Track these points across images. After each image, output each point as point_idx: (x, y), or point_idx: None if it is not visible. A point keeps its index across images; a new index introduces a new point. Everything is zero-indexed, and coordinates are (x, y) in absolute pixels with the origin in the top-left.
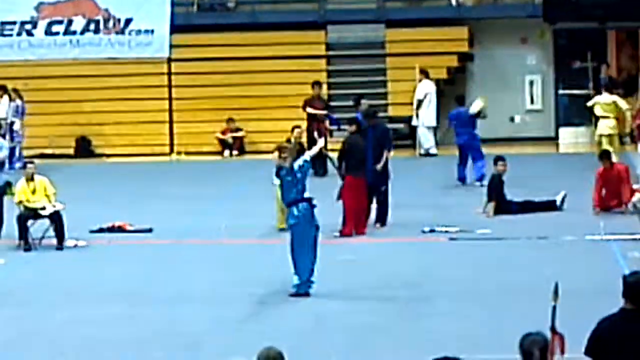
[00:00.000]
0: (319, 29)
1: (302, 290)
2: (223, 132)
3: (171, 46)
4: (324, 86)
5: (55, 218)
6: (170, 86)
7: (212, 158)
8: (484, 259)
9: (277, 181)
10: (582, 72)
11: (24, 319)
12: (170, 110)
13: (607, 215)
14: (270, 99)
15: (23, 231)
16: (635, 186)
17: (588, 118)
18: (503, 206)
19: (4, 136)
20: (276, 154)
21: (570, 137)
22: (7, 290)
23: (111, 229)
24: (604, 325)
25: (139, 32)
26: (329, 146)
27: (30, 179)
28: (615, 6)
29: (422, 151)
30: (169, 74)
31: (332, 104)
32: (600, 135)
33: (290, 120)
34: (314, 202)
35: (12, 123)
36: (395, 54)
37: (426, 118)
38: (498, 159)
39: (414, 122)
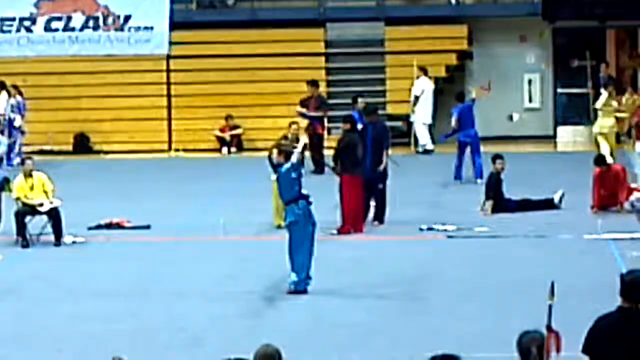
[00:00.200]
0: (319, 26)
1: (300, 288)
2: (222, 130)
3: (170, 43)
4: (323, 84)
5: (53, 214)
6: (169, 83)
7: (210, 155)
8: (482, 257)
9: (274, 176)
10: (580, 70)
11: (21, 315)
12: (169, 107)
13: (604, 214)
14: (269, 96)
15: (21, 227)
16: (633, 185)
17: (586, 117)
18: (501, 204)
19: (2, 132)
20: (275, 151)
21: (569, 136)
22: (4, 287)
23: (109, 226)
24: (601, 323)
25: (138, 29)
26: (327, 144)
27: (29, 175)
28: (615, 5)
29: (420, 149)
30: (168, 71)
31: (331, 101)
32: (597, 133)
33: (288, 117)
34: (311, 199)
35: (11, 119)
36: (394, 51)
37: (422, 115)
38: (496, 157)
39: (411, 119)
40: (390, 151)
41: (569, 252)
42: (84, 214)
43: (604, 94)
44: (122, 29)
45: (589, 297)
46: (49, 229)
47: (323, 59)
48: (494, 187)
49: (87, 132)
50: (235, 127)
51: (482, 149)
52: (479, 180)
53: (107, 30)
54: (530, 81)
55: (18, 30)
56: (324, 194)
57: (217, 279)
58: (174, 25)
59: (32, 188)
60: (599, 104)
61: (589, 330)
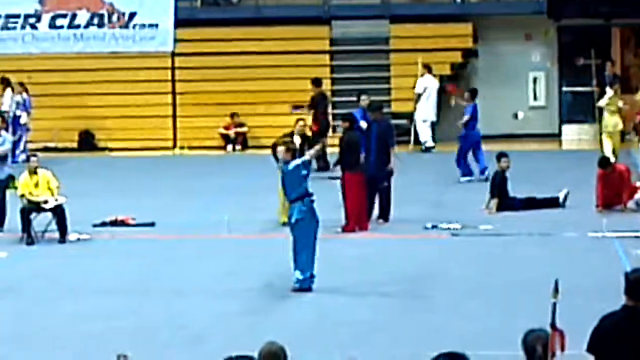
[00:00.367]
0: (323, 24)
1: (305, 286)
2: (226, 127)
3: (175, 40)
4: (328, 82)
5: (58, 211)
6: (173, 80)
7: (214, 153)
8: (486, 256)
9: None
10: (585, 69)
11: (26, 312)
12: (174, 105)
13: (609, 212)
14: (274, 93)
15: (26, 224)
16: (638, 183)
17: (591, 115)
18: (506, 203)
19: (7, 129)
20: (283, 148)
21: (574, 134)
22: (9, 284)
23: (114, 223)
24: (606, 322)
25: (143, 26)
26: (329, 142)
27: (34, 172)
28: (620, 3)
29: (423, 147)
30: (173, 68)
31: (335, 99)
32: (603, 132)
33: (293, 115)
34: (313, 197)
35: (17, 116)
36: (399, 49)
37: (424, 112)
38: (501, 155)
39: (415, 117)
40: (395, 148)
41: (574, 251)
42: (89, 211)
43: (609, 92)
44: (126, 27)
45: (594, 295)
46: (54, 226)
47: (328, 56)
48: (499, 186)
49: (92, 130)
50: (240, 124)
51: (487, 147)
52: (481, 176)
53: (112, 28)
54: (535, 79)
55: (23, 27)
56: (327, 192)
57: (220, 277)
58: (178, 23)
59: (36, 185)
60: (602, 102)
61: (593, 329)
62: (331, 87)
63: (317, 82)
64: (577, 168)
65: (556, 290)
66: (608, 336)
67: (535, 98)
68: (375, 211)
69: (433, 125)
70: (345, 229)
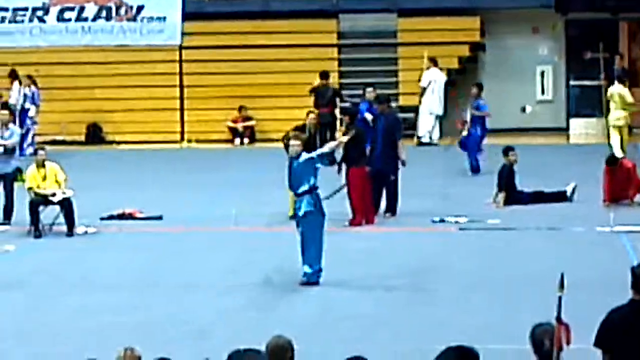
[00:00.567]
0: (331, 17)
1: (313, 279)
2: (234, 121)
3: (183, 34)
4: (335, 75)
5: (66, 204)
6: (181, 74)
7: (222, 146)
8: (493, 250)
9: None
10: (593, 62)
11: (33, 306)
12: (182, 98)
13: (617, 207)
14: (282, 87)
15: (35, 217)
16: None
17: (599, 109)
18: (513, 196)
19: (14, 122)
20: (298, 142)
21: (581, 128)
22: (17, 277)
23: (121, 216)
24: (613, 316)
25: (150, 19)
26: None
27: (41, 165)
28: None
29: (423, 139)
30: (180, 61)
31: (343, 92)
32: (611, 126)
33: (301, 108)
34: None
35: (25, 109)
36: (406, 43)
37: (430, 105)
38: (509, 149)
39: (420, 110)
40: (402, 142)
41: (581, 245)
42: (97, 205)
43: (617, 86)
44: (134, 20)
45: (600, 289)
46: (62, 219)
47: (336, 50)
48: (506, 179)
49: (100, 123)
50: (248, 118)
51: (495, 140)
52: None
53: (119, 21)
54: (542, 73)
55: (31, 20)
56: (331, 185)
57: (226, 271)
58: (186, 16)
59: (44, 178)
60: (609, 95)
61: (601, 323)
62: (339, 80)
63: (323, 75)
64: (585, 162)
65: (562, 284)
66: (616, 330)
67: (542, 92)
68: (383, 205)
69: (440, 119)
70: (352, 222)
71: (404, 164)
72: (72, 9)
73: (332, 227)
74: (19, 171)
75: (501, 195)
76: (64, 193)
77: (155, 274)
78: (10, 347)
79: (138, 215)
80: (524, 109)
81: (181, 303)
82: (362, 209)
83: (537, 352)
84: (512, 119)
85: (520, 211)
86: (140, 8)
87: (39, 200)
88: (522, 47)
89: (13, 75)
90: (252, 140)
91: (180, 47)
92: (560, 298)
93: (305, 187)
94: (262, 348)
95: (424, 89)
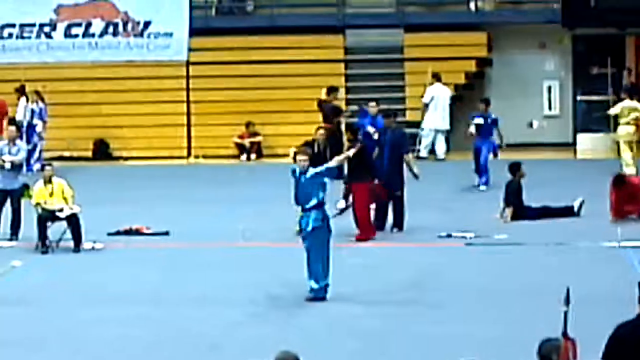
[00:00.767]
0: (338, 33)
1: (320, 295)
2: (241, 136)
3: (189, 49)
4: (342, 90)
5: (73, 220)
6: (188, 89)
7: (229, 162)
8: (500, 265)
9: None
10: (600, 78)
11: (40, 321)
12: (188, 114)
13: (624, 222)
14: (288, 102)
15: (42, 233)
16: None
17: (606, 124)
18: (520, 212)
19: (21, 138)
20: (305, 157)
21: (588, 143)
22: (23, 292)
23: (128, 232)
24: (621, 331)
25: (157, 35)
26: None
27: (48, 181)
28: (635, 12)
29: (422, 154)
30: (187, 77)
31: (350, 107)
32: (622, 141)
33: (307, 124)
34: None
35: (32, 125)
36: (413, 58)
37: (434, 121)
38: (516, 164)
39: (423, 126)
40: (410, 156)
41: (588, 260)
42: (104, 220)
43: (624, 101)
44: (141, 35)
45: (608, 304)
46: (69, 235)
47: (342, 65)
48: (514, 194)
49: (107, 139)
50: (255, 133)
51: (502, 155)
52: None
53: (126, 37)
54: (549, 88)
55: (38, 36)
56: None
57: (235, 286)
58: (193, 32)
59: (51, 194)
60: (613, 111)
61: (609, 338)
62: (345, 95)
63: (328, 90)
64: (592, 177)
65: (567, 299)
66: (624, 345)
67: (549, 107)
68: (389, 220)
69: (447, 134)
70: (358, 237)
71: (417, 177)
72: (79, 25)
73: (338, 242)
74: (26, 187)
75: (508, 211)
76: (71, 209)
77: (163, 289)
78: (21, 357)
79: (145, 231)
80: (531, 124)
81: (189, 317)
82: (366, 224)
83: None
84: (519, 134)
85: (527, 226)
86: (147, 24)
87: (47, 216)
88: (529, 63)
89: (20, 91)
90: (259, 155)
91: (187, 63)
92: (565, 313)
93: (313, 202)
94: None
95: (426, 105)
